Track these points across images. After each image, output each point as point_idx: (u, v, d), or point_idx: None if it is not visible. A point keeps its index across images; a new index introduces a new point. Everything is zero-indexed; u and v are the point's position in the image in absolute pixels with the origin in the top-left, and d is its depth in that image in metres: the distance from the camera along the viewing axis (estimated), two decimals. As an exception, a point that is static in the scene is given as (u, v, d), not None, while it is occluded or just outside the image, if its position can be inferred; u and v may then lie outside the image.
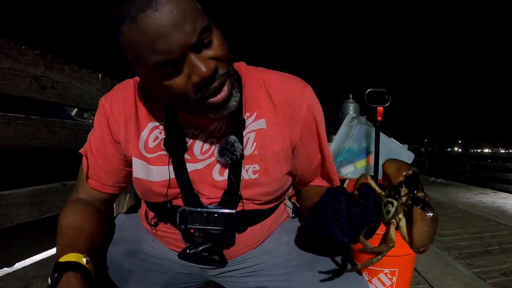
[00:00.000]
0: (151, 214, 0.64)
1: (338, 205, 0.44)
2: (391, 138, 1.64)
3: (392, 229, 0.41)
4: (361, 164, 1.59)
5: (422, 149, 8.84)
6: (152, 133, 0.60)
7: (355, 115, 1.66)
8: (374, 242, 0.43)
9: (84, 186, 0.63)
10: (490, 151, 6.76)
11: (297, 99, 0.60)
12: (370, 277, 1.20)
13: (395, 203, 0.40)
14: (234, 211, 0.58)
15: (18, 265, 0.84)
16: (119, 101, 0.60)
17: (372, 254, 0.42)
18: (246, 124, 0.59)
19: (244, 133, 0.58)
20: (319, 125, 0.63)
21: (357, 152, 1.59)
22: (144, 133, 0.60)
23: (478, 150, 6.99)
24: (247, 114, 0.59)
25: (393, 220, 0.41)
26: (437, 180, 6.48)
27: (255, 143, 0.59)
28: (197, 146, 0.59)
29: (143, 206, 0.67)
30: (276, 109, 0.60)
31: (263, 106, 0.60)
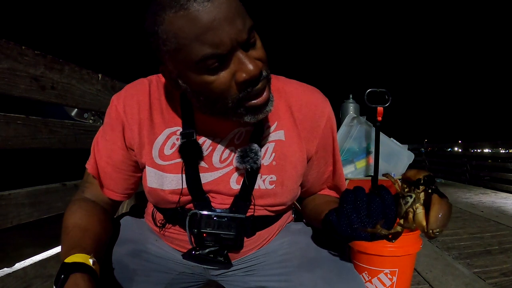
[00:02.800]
0: (158, 216, 0.64)
1: (359, 198, 0.46)
2: (391, 138, 1.64)
3: (410, 216, 0.45)
4: (361, 164, 1.59)
5: (422, 149, 8.83)
6: (169, 139, 0.58)
7: (355, 115, 1.66)
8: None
9: (90, 187, 0.62)
10: (490, 151, 6.76)
11: (317, 113, 0.61)
12: (370, 277, 1.20)
13: (413, 195, 0.45)
14: (244, 216, 0.58)
15: (18, 265, 0.84)
16: (133, 104, 0.57)
17: (392, 235, 0.46)
18: (265, 134, 0.59)
19: (262, 142, 0.58)
20: (335, 139, 0.64)
21: (357, 152, 1.59)
22: (160, 139, 0.57)
23: (478, 150, 6.98)
24: (268, 124, 0.59)
25: (410, 209, 0.45)
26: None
27: (273, 154, 0.58)
28: (216, 154, 0.58)
29: (150, 206, 0.67)
30: (295, 121, 0.60)
31: (282, 117, 0.60)
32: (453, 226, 2.67)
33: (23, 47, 0.81)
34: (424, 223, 0.43)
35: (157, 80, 0.60)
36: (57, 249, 1.00)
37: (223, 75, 0.45)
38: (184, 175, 0.57)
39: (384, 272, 1.17)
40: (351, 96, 2.15)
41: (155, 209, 0.65)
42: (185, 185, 0.57)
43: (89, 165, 0.61)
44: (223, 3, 0.42)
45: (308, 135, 0.61)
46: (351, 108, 2.10)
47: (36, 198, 0.86)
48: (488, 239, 2.30)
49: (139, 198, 1.49)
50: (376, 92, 1.56)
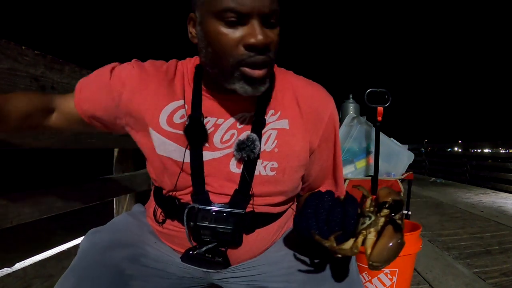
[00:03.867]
0: (159, 211, 0.64)
1: (321, 203, 0.48)
2: (391, 138, 1.64)
3: (360, 239, 0.43)
4: (361, 164, 1.59)
5: (422, 149, 8.83)
6: (179, 110, 0.60)
7: (355, 115, 1.66)
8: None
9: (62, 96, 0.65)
10: (490, 151, 6.76)
11: (322, 106, 0.63)
12: (370, 277, 1.20)
13: (373, 217, 0.43)
14: (243, 211, 0.58)
15: (18, 265, 0.84)
16: (142, 72, 0.61)
17: (336, 252, 0.44)
18: (269, 122, 0.60)
19: (266, 129, 0.60)
20: (337, 134, 0.67)
21: (357, 152, 1.59)
22: (170, 107, 0.60)
23: (478, 150, 6.98)
24: (272, 111, 0.61)
25: (364, 231, 0.43)
26: (437, 180, 6.48)
27: (276, 141, 0.60)
28: (218, 135, 0.59)
29: (152, 203, 0.67)
30: (301, 112, 0.62)
31: (288, 107, 0.62)
32: (453, 226, 2.68)
33: (23, 47, 0.81)
34: (369, 252, 0.41)
35: (173, 63, 0.64)
36: (57, 249, 1.00)
37: (236, 32, 0.50)
38: (188, 151, 0.58)
39: (384, 272, 1.17)
40: (351, 96, 2.14)
41: (156, 205, 0.65)
42: (187, 160, 0.58)
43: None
44: None
45: (312, 127, 0.62)
46: (351, 108, 2.10)
47: (36, 198, 0.86)
48: (488, 239, 2.30)
49: (139, 198, 1.49)
50: (376, 92, 1.56)
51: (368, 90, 1.55)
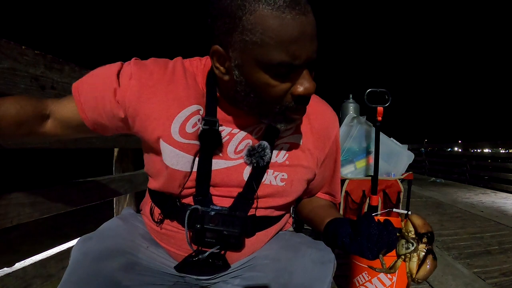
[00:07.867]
0: (157, 210, 0.62)
1: (372, 231, 0.51)
2: (391, 138, 1.64)
3: (400, 260, 0.55)
4: (361, 164, 1.59)
5: (422, 149, 8.83)
6: (192, 118, 0.56)
7: (355, 115, 1.66)
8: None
9: (56, 105, 0.60)
10: (490, 151, 6.77)
11: (330, 125, 0.66)
12: (370, 277, 1.20)
13: (415, 244, 0.54)
14: (246, 215, 0.58)
15: (18, 265, 0.84)
16: (146, 72, 0.56)
17: (383, 271, 0.57)
18: (283, 135, 0.61)
19: (279, 142, 0.60)
20: (339, 150, 0.70)
21: (357, 152, 1.59)
22: (182, 115, 0.56)
23: (478, 150, 6.99)
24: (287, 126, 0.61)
25: (408, 255, 0.54)
26: (437, 180, 6.48)
27: (287, 154, 0.61)
28: (232, 145, 0.58)
29: (148, 201, 0.66)
30: (312, 129, 0.64)
31: (300, 123, 0.62)
32: (453, 226, 2.68)
33: (23, 47, 0.81)
34: (414, 272, 0.54)
35: (180, 61, 0.60)
36: (57, 249, 1.00)
37: (286, 84, 0.49)
38: (197, 159, 0.56)
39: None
40: (351, 96, 2.14)
41: (153, 204, 0.64)
42: (195, 169, 0.56)
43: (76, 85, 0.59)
44: (312, 22, 0.46)
45: (321, 144, 0.64)
46: (351, 108, 2.10)
47: (36, 198, 0.86)
48: (488, 239, 2.30)
49: (139, 197, 1.49)
50: (376, 92, 1.57)
51: (368, 90, 1.55)
